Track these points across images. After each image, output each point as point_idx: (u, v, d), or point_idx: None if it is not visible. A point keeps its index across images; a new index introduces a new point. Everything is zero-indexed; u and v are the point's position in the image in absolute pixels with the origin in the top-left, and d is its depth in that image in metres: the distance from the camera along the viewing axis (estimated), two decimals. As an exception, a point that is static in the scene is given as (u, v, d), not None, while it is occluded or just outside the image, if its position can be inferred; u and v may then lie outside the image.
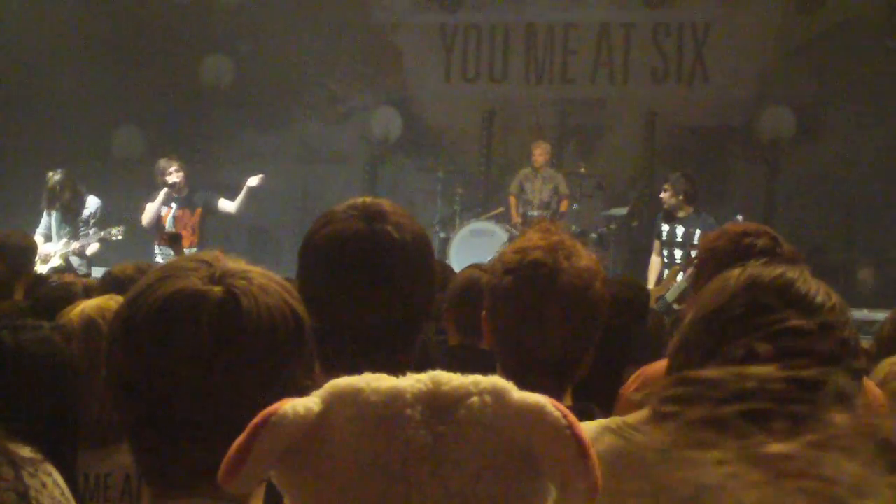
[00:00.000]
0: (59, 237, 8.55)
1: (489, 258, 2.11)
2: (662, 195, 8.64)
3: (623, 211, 11.11)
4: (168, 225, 8.86)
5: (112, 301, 2.46)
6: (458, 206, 11.26)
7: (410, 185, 12.37)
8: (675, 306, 7.54)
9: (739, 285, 1.53)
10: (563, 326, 1.90)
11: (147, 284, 1.28)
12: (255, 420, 1.08)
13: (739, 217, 7.81)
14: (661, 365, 2.36)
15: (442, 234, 11.11)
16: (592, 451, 1.08)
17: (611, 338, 2.20)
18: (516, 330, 1.92)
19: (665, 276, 8.45)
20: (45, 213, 8.65)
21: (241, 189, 9.03)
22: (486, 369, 1.25)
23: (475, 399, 1.11)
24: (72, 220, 8.58)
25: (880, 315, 8.55)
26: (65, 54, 11.97)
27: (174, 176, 8.91)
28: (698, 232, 8.19)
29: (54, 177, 8.51)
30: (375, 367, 1.17)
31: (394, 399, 1.11)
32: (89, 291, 3.47)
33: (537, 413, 1.10)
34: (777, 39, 11.67)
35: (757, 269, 1.56)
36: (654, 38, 12.18)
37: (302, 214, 11.68)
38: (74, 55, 12.04)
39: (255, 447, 1.07)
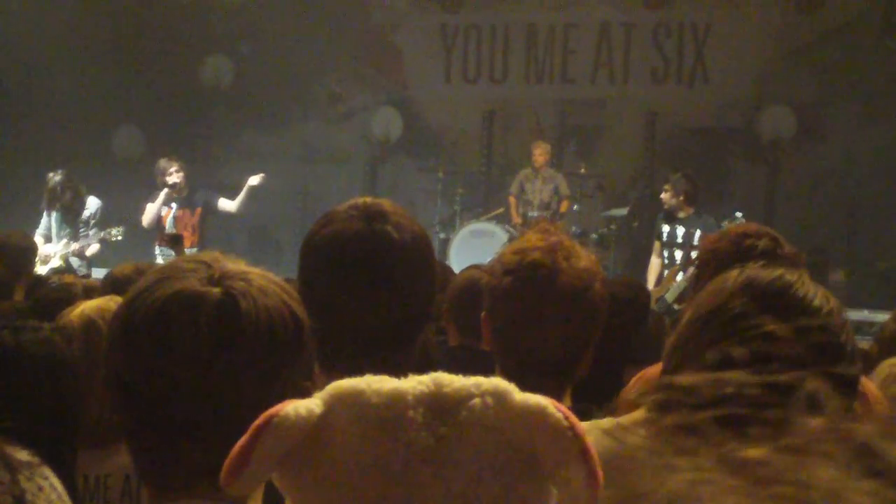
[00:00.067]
0: (60, 238, 8.55)
1: (489, 259, 2.10)
2: (663, 196, 8.64)
3: (623, 211, 11.11)
4: (168, 225, 8.86)
5: (112, 302, 2.46)
6: (458, 206, 11.26)
7: (410, 185, 12.38)
8: (675, 306, 7.54)
9: (737, 287, 1.53)
10: (563, 327, 1.90)
11: (146, 285, 1.28)
12: (258, 421, 1.08)
13: (739, 214, 7.79)
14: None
15: (442, 235, 11.12)
16: (594, 453, 1.08)
17: (610, 338, 2.20)
18: (515, 330, 1.92)
19: (665, 278, 8.44)
20: (45, 214, 8.65)
21: (241, 189, 9.04)
22: (486, 370, 1.25)
23: (477, 401, 1.11)
24: (72, 221, 8.57)
25: (880, 316, 8.55)
26: (65, 55, 11.97)
27: (174, 176, 8.91)
28: (698, 233, 8.19)
29: (55, 177, 8.51)
30: (375, 368, 1.16)
31: (395, 401, 1.11)
32: (89, 292, 3.47)
33: (539, 414, 1.10)
34: (777, 40, 11.67)
35: (755, 271, 1.56)
36: (654, 39, 12.19)
37: (302, 215, 11.69)
38: (75, 56, 12.05)
39: (257, 448, 1.07)
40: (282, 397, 1.14)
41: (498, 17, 12.61)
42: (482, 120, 12.50)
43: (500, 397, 1.12)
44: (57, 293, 3.63)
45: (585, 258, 1.94)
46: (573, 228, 10.41)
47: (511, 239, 9.11)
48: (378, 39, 12.80)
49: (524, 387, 1.14)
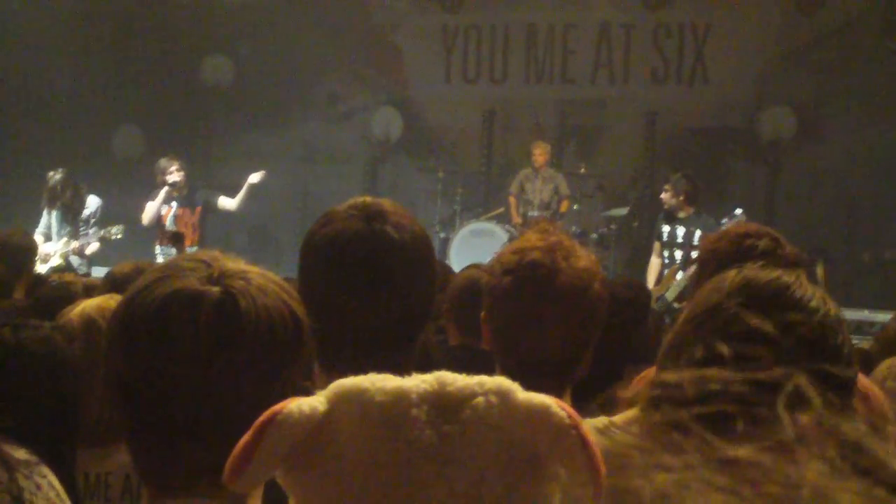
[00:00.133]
0: (60, 237, 8.54)
1: (489, 258, 2.10)
2: (663, 196, 8.64)
3: (623, 211, 11.11)
4: (169, 224, 8.86)
5: (112, 300, 2.46)
6: (458, 206, 11.26)
7: (411, 185, 12.38)
8: (675, 305, 7.54)
9: (734, 287, 1.53)
10: (562, 327, 1.90)
11: (145, 284, 1.28)
12: (261, 418, 1.08)
13: (739, 211, 7.78)
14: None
15: (442, 235, 11.11)
16: (597, 451, 1.08)
17: (610, 338, 2.20)
18: (515, 330, 1.92)
19: (665, 277, 8.44)
20: (45, 213, 8.64)
21: (241, 189, 9.03)
22: (486, 370, 1.25)
23: (480, 399, 1.11)
24: (72, 220, 8.57)
25: (881, 316, 8.56)
26: (65, 54, 11.98)
27: (175, 175, 8.91)
28: (698, 233, 8.18)
29: (55, 176, 8.51)
30: (375, 368, 1.17)
31: (399, 399, 1.11)
32: (89, 291, 3.47)
33: (542, 413, 1.11)
34: (777, 40, 11.67)
35: (753, 271, 1.56)
36: (654, 39, 12.18)
37: (302, 214, 11.69)
38: (75, 55, 12.06)
39: (260, 446, 1.07)
40: (281, 396, 1.14)
41: (498, 18, 12.61)
42: (482, 120, 12.50)
43: (503, 396, 1.12)
44: (57, 292, 3.63)
45: (585, 258, 1.95)
46: (573, 228, 10.42)
47: (511, 239, 9.12)
48: (378, 39, 12.80)
49: (524, 387, 1.14)
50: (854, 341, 1.64)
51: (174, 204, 8.96)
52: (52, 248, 8.42)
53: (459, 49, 12.75)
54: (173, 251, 7.89)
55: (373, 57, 12.81)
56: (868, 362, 3.16)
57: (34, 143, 11.76)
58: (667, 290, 7.99)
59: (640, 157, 12.07)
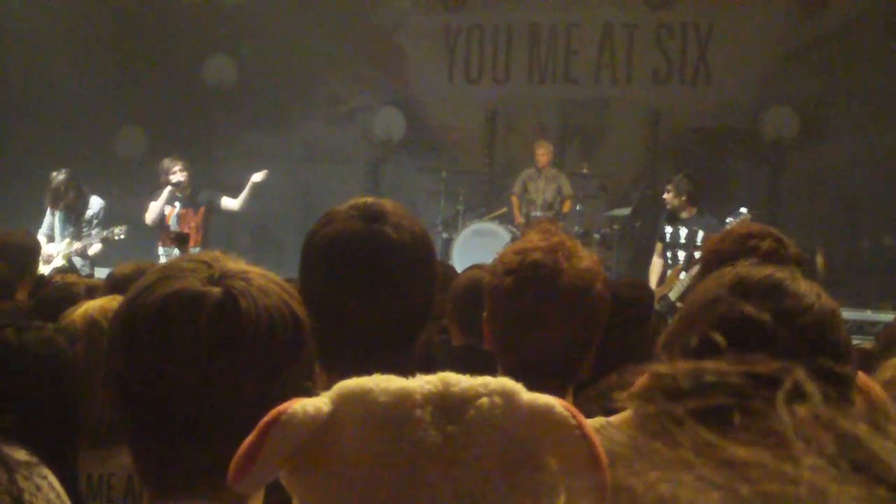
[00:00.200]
0: (63, 237, 8.55)
1: (492, 259, 2.10)
2: (665, 196, 8.63)
3: (626, 211, 11.10)
4: (172, 224, 8.88)
5: (115, 302, 2.46)
6: (461, 206, 11.26)
7: (413, 185, 12.37)
8: (679, 305, 7.53)
9: (727, 284, 1.53)
10: (564, 327, 1.90)
11: (146, 285, 1.28)
12: (265, 419, 1.08)
13: (744, 210, 7.75)
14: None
15: (445, 235, 11.11)
16: (602, 451, 1.08)
17: (613, 338, 2.20)
18: (517, 331, 1.92)
19: (668, 277, 8.43)
20: (47, 213, 8.66)
21: (243, 189, 9.05)
22: (489, 370, 1.25)
23: (485, 400, 1.11)
24: (75, 221, 8.58)
25: (884, 316, 8.55)
26: (68, 55, 11.99)
27: (178, 175, 8.92)
28: (701, 233, 8.17)
29: (58, 177, 8.52)
30: (375, 367, 1.17)
31: (403, 399, 1.11)
32: (92, 292, 3.47)
33: (547, 414, 1.11)
34: (780, 40, 11.66)
35: (746, 268, 1.57)
36: (657, 39, 12.18)
37: (304, 214, 11.68)
38: (78, 56, 12.07)
39: (264, 447, 1.07)
40: (282, 397, 1.14)
41: (500, 17, 12.60)
42: (485, 120, 12.49)
43: (507, 397, 1.12)
44: (59, 293, 3.63)
45: (587, 258, 1.95)
46: (576, 228, 10.41)
47: (514, 239, 9.12)
48: (380, 39, 12.80)
49: (526, 387, 1.14)
50: (856, 341, 1.64)
51: (177, 204, 8.97)
52: (55, 249, 8.43)
53: (462, 49, 12.75)
54: (176, 252, 7.89)
55: (375, 57, 12.81)
56: (869, 361, 3.15)
57: (37, 143, 11.78)
58: (670, 290, 7.99)
59: (642, 157, 12.07)
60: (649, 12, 12.15)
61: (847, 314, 8.86)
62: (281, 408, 1.09)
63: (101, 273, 7.37)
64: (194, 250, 8.07)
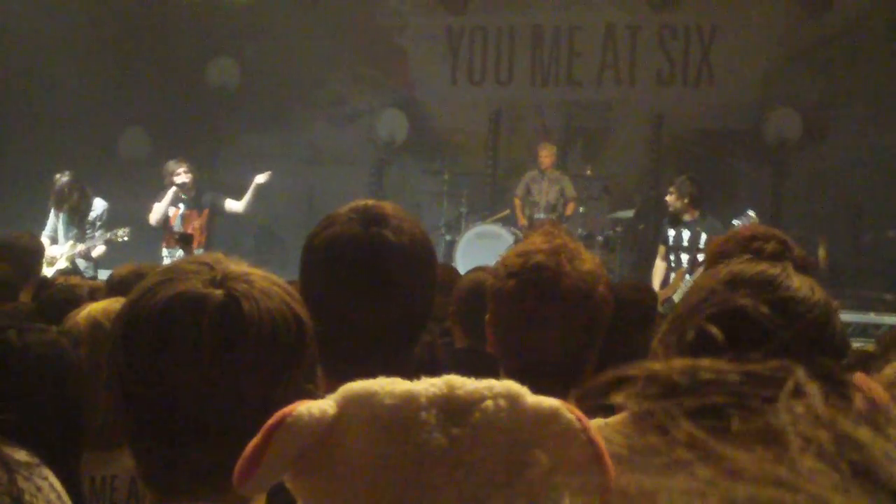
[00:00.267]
0: (66, 239, 8.56)
1: (495, 261, 2.10)
2: (668, 198, 8.61)
3: (629, 213, 11.08)
4: (176, 225, 8.89)
5: (118, 304, 2.46)
6: (464, 208, 11.26)
7: (416, 187, 12.37)
8: (682, 308, 7.50)
9: (721, 280, 1.54)
10: (566, 329, 1.90)
11: (148, 287, 1.28)
12: (271, 421, 1.08)
13: (752, 213, 7.73)
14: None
15: (448, 237, 11.11)
16: (606, 454, 1.08)
17: (616, 340, 2.20)
18: (519, 333, 1.92)
19: (672, 280, 8.42)
20: (51, 215, 8.66)
21: (247, 191, 9.06)
22: (492, 372, 1.26)
23: (489, 403, 1.11)
24: (79, 223, 8.59)
25: (887, 318, 8.54)
26: (71, 57, 12.00)
27: (183, 177, 8.93)
28: (704, 235, 8.16)
29: (62, 179, 8.52)
30: (375, 369, 1.17)
31: (408, 402, 1.11)
32: (95, 294, 3.47)
33: (551, 417, 1.11)
34: (783, 42, 11.66)
35: (739, 265, 1.57)
36: (660, 41, 12.18)
37: (308, 216, 11.68)
38: (81, 58, 12.08)
39: (269, 449, 1.07)
40: (285, 399, 1.14)
41: (503, 19, 12.60)
42: (488, 122, 12.49)
43: (512, 400, 1.12)
44: (62, 295, 3.64)
45: (589, 261, 1.95)
46: (579, 231, 10.41)
47: (517, 241, 9.11)
48: (383, 41, 12.81)
49: (528, 389, 1.14)
50: (859, 344, 1.64)
51: (181, 205, 8.98)
52: (58, 251, 8.43)
53: (465, 51, 12.75)
54: (180, 253, 7.90)
55: (378, 59, 12.82)
56: (870, 363, 3.14)
57: (40, 145, 11.80)
58: (674, 293, 7.98)
59: (645, 159, 12.06)
60: (652, 14, 12.15)
61: (850, 317, 8.85)
62: (286, 410, 1.09)
63: (105, 275, 7.38)
64: (198, 251, 8.09)
